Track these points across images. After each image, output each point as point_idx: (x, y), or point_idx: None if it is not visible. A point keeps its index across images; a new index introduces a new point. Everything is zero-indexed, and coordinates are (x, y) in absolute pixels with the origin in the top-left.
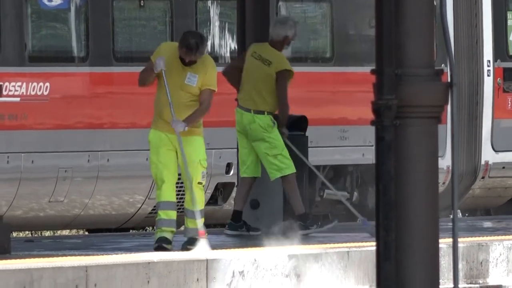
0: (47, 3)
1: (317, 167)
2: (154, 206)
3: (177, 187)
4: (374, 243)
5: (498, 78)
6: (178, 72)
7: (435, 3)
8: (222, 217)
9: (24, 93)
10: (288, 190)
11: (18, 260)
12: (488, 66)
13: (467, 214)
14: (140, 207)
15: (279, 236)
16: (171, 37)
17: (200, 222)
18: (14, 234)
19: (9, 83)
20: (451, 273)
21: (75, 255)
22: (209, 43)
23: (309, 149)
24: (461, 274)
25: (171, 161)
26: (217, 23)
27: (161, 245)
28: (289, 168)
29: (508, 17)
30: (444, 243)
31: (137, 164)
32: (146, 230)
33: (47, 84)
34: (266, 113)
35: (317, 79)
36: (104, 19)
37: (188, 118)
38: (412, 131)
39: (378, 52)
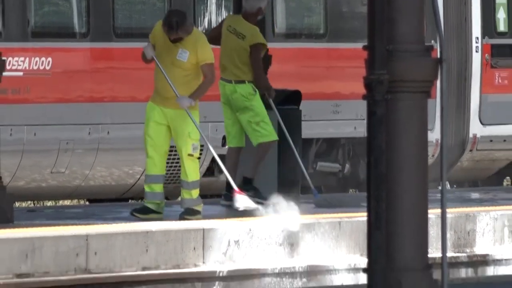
0: None
1: (311, 140)
2: None
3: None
4: (365, 214)
5: (486, 54)
6: (170, 49)
7: None
8: (218, 188)
9: (27, 68)
10: (257, 154)
11: (20, 229)
12: (476, 42)
13: (455, 186)
14: (139, 178)
15: (274, 207)
16: None
17: (195, 192)
18: (17, 204)
19: (12, 58)
20: (440, 243)
21: (76, 224)
22: (206, 20)
23: (302, 122)
24: (449, 244)
25: (158, 135)
26: (214, 0)
27: (132, 212)
28: (272, 135)
29: None
30: (433, 213)
31: (136, 136)
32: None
33: (49, 59)
34: (247, 82)
35: (311, 55)
36: None
37: (194, 94)
38: (402, 105)
39: (370, 28)
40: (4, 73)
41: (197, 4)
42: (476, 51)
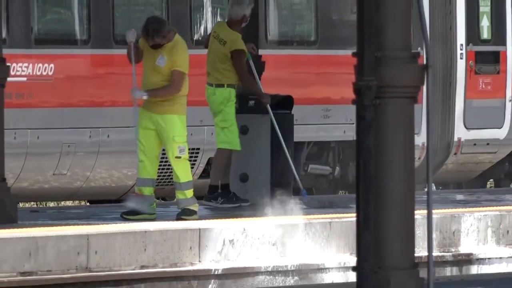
0: None
1: (302, 143)
2: None
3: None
4: (354, 214)
5: (470, 61)
6: (152, 54)
7: None
8: None
9: (31, 73)
10: (215, 160)
11: (24, 229)
12: (461, 49)
13: (440, 188)
14: None
15: (266, 207)
16: (167, 21)
17: (188, 193)
18: (21, 205)
19: (17, 64)
20: (426, 242)
21: (77, 224)
22: (202, 28)
23: (294, 126)
24: (435, 243)
25: (147, 141)
26: (210, 9)
27: (121, 215)
28: (231, 144)
29: (480, 4)
30: (419, 214)
31: (135, 140)
32: None
33: (52, 65)
34: (226, 85)
35: (302, 62)
36: (105, 4)
37: (151, 91)
38: (390, 110)
39: (359, 36)
40: (8, 79)
41: (193, 12)
42: (461, 58)
